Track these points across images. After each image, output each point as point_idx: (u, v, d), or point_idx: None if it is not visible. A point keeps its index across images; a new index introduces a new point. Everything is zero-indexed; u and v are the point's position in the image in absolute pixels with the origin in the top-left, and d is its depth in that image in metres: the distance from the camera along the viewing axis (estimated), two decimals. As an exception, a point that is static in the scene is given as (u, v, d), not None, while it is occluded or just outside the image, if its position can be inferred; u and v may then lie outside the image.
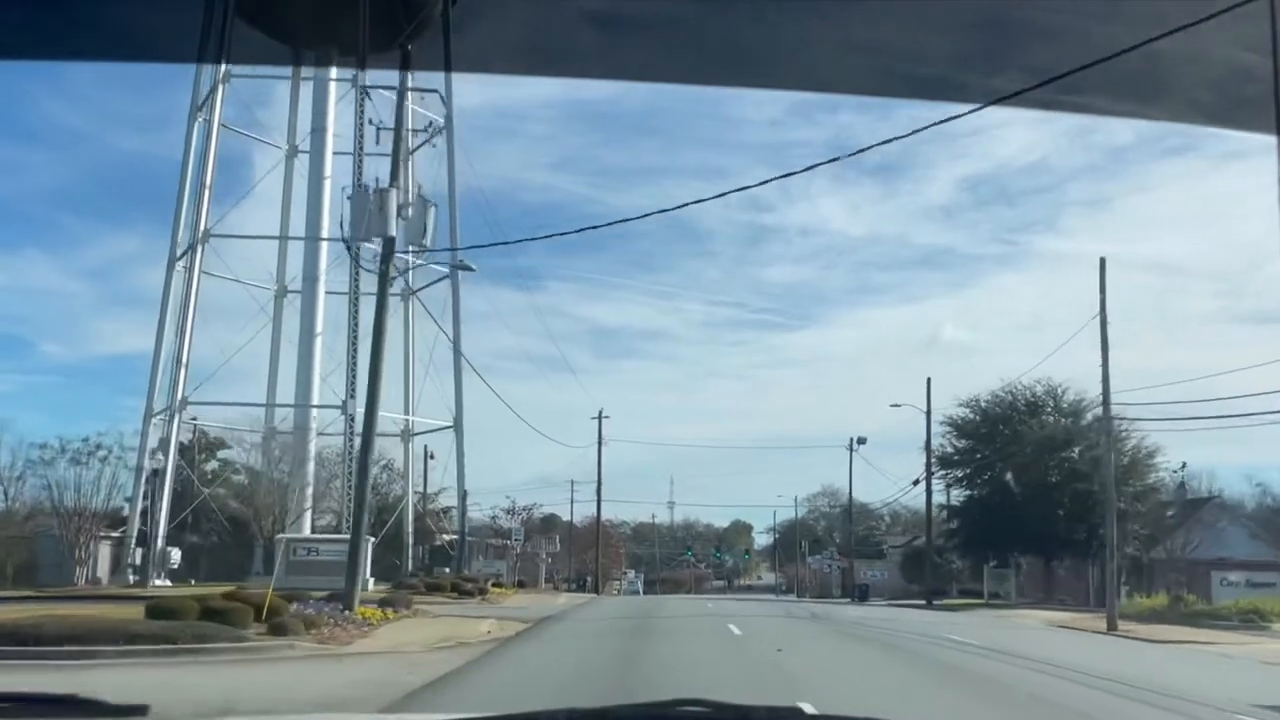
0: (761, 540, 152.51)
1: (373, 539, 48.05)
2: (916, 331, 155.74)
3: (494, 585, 49.28)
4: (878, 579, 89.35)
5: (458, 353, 69.38)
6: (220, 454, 79.53)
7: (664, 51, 3.55)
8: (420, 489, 79.61)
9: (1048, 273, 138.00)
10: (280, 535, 47.06)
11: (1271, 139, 3.01)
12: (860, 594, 77.91)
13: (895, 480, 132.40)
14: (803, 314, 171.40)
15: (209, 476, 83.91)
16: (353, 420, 63.54)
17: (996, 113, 11.95)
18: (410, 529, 71.42)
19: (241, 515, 66.39)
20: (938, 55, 3.50)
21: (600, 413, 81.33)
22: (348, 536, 50.70)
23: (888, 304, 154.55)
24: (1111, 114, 4.58)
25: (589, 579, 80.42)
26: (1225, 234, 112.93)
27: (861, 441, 79.47)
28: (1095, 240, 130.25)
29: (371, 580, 44.74)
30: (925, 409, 60.40)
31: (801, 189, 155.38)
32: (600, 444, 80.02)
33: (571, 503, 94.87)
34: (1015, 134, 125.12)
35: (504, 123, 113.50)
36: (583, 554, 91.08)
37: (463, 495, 68.50)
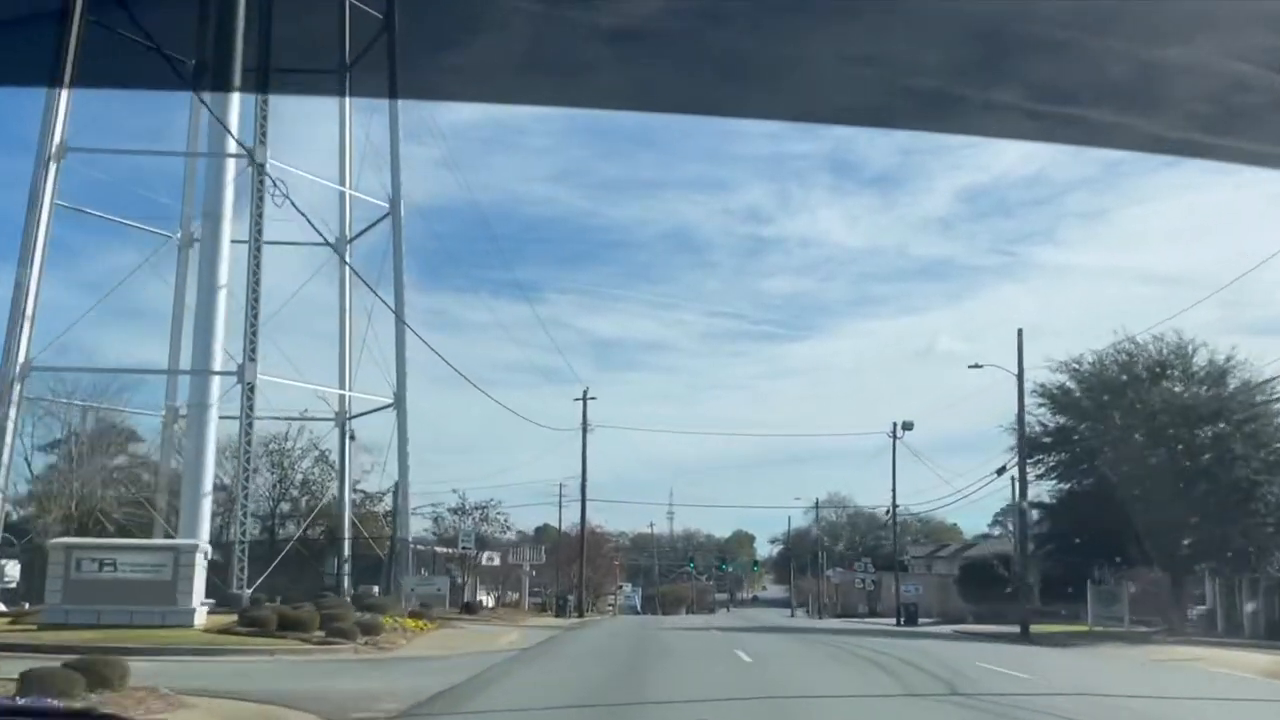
0: (763, 550, 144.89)
1: (206, 549, 30.92)
2: (916, 342, 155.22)
3: (410, 616, 32.33)
4: (912, 594, 74.13)
5: (400, 319, 53.19)
6: (132, 448, 63.78)
7: (664, 76, 3.44)
8: (358, 482, 62.96)
9: (1046, 283, 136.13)
10: (56, 540, 30.09)
11: (1270, 149, 3.26)
12: (908, 616, 61.33)
13: (947, 480, 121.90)
14: (803, 325, 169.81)
15: (113, 474, 68.66)
16: (251, 390, 47.13)
17: (995, 123, 4.33)
18: (348, 534, 54.71)
19: (140, 520, 50.68)
20: (935, 68, 3.35)
21: (585, 393, 64.76)
22: (166, 541, 33.87)
23: (887, 315, 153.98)
24: (1110, 143, 4.03)
25: (570, 598, 63.40)
26: (1223, 244, 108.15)
27: (907, 427, 62.64)
28: (1093, 251, 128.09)
29: (203, 610, 27.80)
30: (1016, 370, 43.44)
31: (801, 200, 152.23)
32: (585, 428, 63.27)
33: (560, 506, 78.47)
34: (1012, 145, 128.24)
35: (504, 135, 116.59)
36: (570, 566, 74.15)
37: (401, 489, 51.63)
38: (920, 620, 61.09)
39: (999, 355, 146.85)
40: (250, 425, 46.49)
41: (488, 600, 75.34)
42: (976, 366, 45.54)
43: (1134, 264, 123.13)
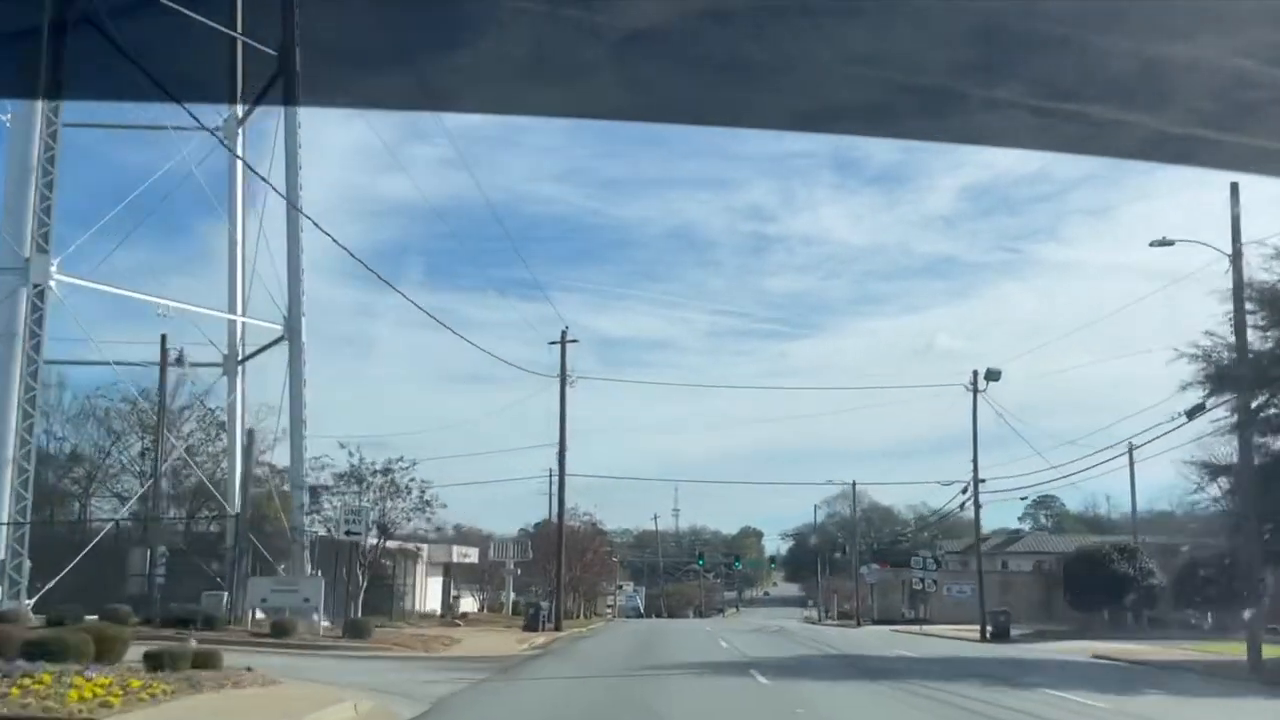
0: (771, 547, 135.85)
1: None
2: (919, 340, 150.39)
3: (178, 662, 15.32)
4: (965, 597, 59.10)
5: (292, 205, 36.97)
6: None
7: (665, 88, 3.38)
8: (264, 452, 45.89)
9: (1049, 281, 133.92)
10: None
11: (1271, 145, 3.07)
12: (997, 628, 44.46)
13: (1039, 451, 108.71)
14: (807, 323, 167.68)
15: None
16: (39, 295, 30.60)
17: (996, 121, 3.33)
18: (236, 510, 37.78)
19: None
20: (937, 66, 3.30)
21: (564, 334, 47.71)
22: None
23: (891, 313, 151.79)
24: (1113, 145, 3.79)
25: (545, 605, 46.38)
26: (1224, 242, 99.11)
27: (992, 377, 45.59)
28: (1097, 248, 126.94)
29: None
30: (1230, 247, 26.40)
31: (804, 198, 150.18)
32: (564, 379, 46.23)
33: (550, 494, 61.95)
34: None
35: (509, 134, 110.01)
36: (560, 563, 57.46)
37: (295, 455, 34.63)
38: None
39: (1000, 353, 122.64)
40: (38, 346, 29.74)
41: (471, 605, 60.08)
42: (1165, 243, 28.40)
43: (1138, 261, 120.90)
